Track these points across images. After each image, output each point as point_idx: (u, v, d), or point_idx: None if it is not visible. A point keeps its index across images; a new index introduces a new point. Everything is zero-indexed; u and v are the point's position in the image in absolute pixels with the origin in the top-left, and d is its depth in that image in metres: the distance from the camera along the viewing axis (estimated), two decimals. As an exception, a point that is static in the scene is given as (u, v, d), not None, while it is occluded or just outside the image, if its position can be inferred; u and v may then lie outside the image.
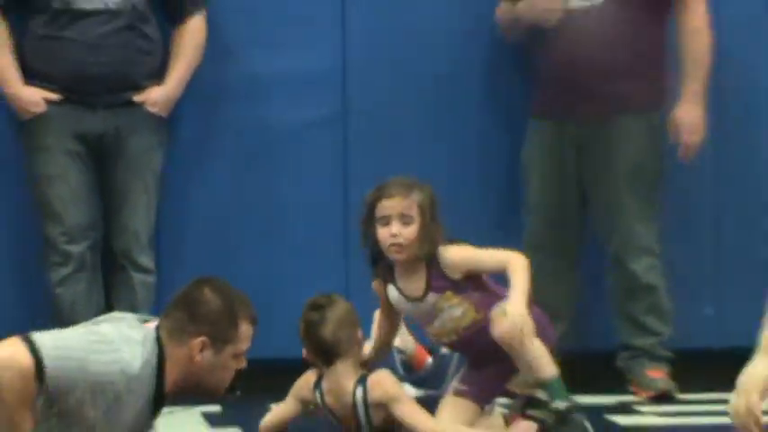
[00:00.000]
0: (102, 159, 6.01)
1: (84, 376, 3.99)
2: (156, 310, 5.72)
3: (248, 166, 6.52)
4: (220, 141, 6.61)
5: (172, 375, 4.33)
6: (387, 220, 4.76)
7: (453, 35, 6.38)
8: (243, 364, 4.50)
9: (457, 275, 4.83)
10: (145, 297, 6.19)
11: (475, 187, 6.11)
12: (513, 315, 4.49)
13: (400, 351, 5.35)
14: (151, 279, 6.19)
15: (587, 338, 5.93)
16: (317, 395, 5.09)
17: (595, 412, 5.09)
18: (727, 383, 3.75)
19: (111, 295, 6.18)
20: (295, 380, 5.28)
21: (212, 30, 6.25)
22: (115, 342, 4.19)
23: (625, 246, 5.68)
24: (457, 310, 4.80)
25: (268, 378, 5.68)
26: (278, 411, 5.31)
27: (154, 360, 4.22)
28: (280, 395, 5.51)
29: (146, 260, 6.18)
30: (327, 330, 4.94)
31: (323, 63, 6.50)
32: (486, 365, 4.83)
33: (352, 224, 5.69)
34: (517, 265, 4.71)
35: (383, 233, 4.76)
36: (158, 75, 6.03)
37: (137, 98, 5.94)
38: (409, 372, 5.26)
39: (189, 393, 4.48)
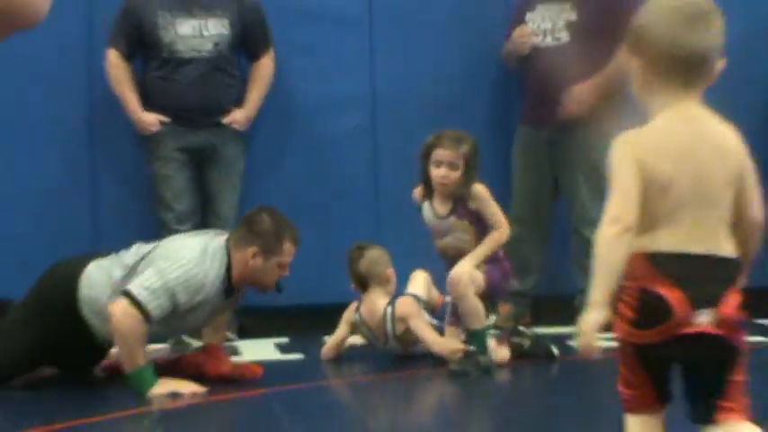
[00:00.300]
0: (200, 165, 7.20)
1: (177, 301, 5.41)
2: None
3: (303, 164, 7.60)
4: (284, 148, 7.69)
5: (235, 273, 5.72)
6: (439, 164, 5.88)
7: (466, 63, 7.49)
8: (285, 272, 5.82)
9: (473, 207, 5.95)
10: None
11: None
12: (456, 271, 5.74)
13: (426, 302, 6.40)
14: None
15: (556, 286, 7.08)
16: (357, 316, 6.32)
17: (558, 339, 6.20)
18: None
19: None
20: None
21: (278, 65, 7.32)
22: (195, 258, 5.54)
23: (581, 219, 6.65)
24: (465, 235, 5.97)
25: (324, 319, 7.05)
26: (333, 337, 6.53)
27: (225, 263, 5.63)
28: (332, 331, 6.74)
29: None
30: (363, 264, 6.23)
31: (355, 89, 7.68)
32: None
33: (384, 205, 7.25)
34: (495, 235, 5.95)
35: (436, 172, 5.90)
36: (239, 101, 7.18)
37: (225, 120, 7.12)
38: (431, 314, 6.31)
39: (248, 286, 5.91)
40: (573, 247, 6.74)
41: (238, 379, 5.94)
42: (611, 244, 2.99)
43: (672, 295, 2.94)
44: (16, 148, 7.34)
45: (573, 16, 6.83)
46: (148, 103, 7.13)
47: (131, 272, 5.71)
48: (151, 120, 7.05)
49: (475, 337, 5.93)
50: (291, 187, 7.58)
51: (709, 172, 3.04)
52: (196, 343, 6.67)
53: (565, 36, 6.83)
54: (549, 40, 6.90)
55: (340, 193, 7.74)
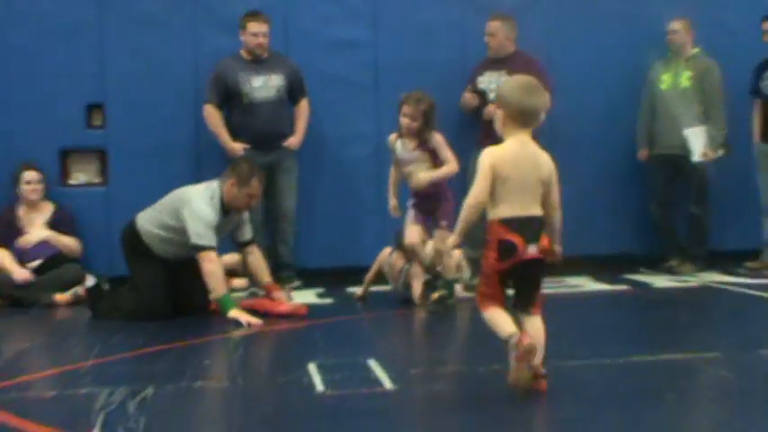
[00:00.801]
0: (270, 175, 8.38)
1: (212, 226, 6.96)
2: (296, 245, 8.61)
3: (328, 174, 9.12)
4: (321, 163, 9.20)
5: (226, 199, 7.00)
6: (404, 116, 7.15)
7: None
8: (254, 201, 7.15)
9: (432, 146, 7.12)
10: (287, 240, 9.03)
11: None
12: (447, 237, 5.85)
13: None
14: (291, 230, 9.04)
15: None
16: (386, 266, 7.69)
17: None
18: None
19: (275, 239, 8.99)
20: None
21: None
22: (206, 200, 6.96)
23: None
24: (424, 164, 7.23)
25: (346, 275, 8.63)
26: (366, 280, 7.80)
27: (218, 194, 7.04)
28: (351, 284, 8.16)
29: (291, 225, 9.02)
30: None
31: (363, 124, 9.18)
32: (429, 198, 7.18)
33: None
34: (446, 167, 7.15)
35: (402, 121, 7.19)
36: (291, 130, 8.77)
37: (285, 144, 8.73)
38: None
39: (233, 208, 7.11)
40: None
41: (291, 315, 7.16)
42: (471, 209, 4.54)
43: (516, 240, 4.45)
44: (148, 167, 8.63)
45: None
46: (234, 135, 8.69)
47: (156, 206, 7.30)
48: (237, 147, 8.63)
49: (447, 285, 7.19)
50: (320, 185, 9.07)
51: (529, 174, 4.55)
52: (261, 292, 7.80)
53: None
54: (492, 96, 8.29)
55: (350, 196, 9.25)
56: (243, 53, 8.80)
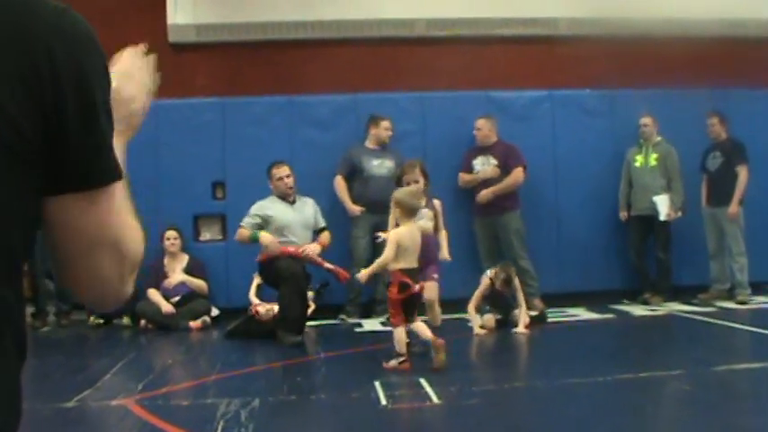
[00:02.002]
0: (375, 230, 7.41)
1: (259, 215, 7.24)
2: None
3: None
4: None
5: (276, 192, 7.42)
6: (408, 182, 6.43)
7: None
8: (283, 182, 7.34)
9: (435, 210, 6.49)
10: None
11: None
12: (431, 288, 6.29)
13: None
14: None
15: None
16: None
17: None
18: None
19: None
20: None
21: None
22: (257, 202, 7.33)
23: (514, 258, 8.28)
24: (429, 222, 6.52)
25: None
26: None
27: (271, 193, 7.46)
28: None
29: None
30: None
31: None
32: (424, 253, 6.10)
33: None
34: (443, 235, 6.57)
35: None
36: None
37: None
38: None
39: (285, 194, 7.43)
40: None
41: (333, 272, 7.24)
42: (383, 262, 5.76)
43: (408, 281, 5.62)
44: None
45: (494, 161, 8.74)
46: (355, 199, 8.57)
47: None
48: (356, 209, 8.53)
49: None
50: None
51: (415, 243, 5.75)
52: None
53: (492, 172, 8.67)
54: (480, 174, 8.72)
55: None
56: (368, 143, 8.80)
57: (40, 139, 1.09)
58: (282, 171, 7.48)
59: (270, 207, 7.40)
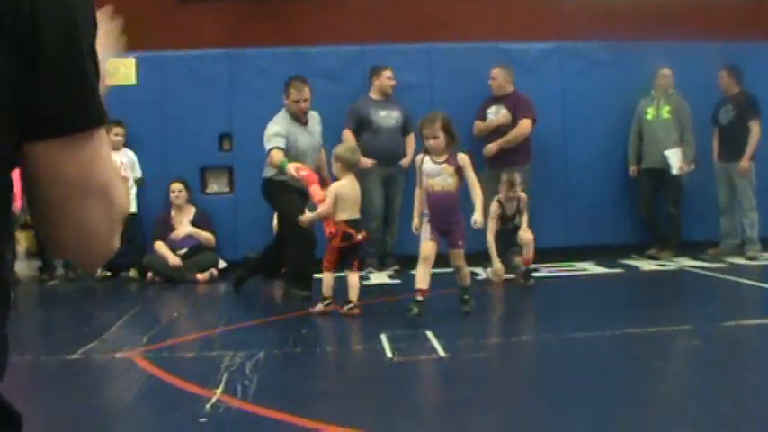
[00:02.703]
0: (386, 184, 8.43)
1: (278, 134, 6.78)
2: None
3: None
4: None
5: (291, 111, 7.03)
6: (426, 138, 5.93)
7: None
8: (300, 105, 6.93)
9: (459, 164, 5.88)
10: (394, 233, 8.71)
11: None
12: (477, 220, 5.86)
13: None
14: (396, 227, 8.60)
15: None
16: None
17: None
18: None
19: (385, 232, 8.71)
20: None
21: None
22: (273, 121, 6.90)
23: None
24: (450, 178, 5.93)
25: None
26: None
27: (284, 111, 7.02)
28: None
29: (396, 223, 8.57)
30: None
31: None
32: (445, 215, 5.89)
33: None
34: (478, 191, 5.92)
35: (428, 144, 5.94)
36: (404, 152, 8.48)
37: (400, 162, 8.49)
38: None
39: (298, 114, 6.98)
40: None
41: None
42: (322, 212, 6.06)
43: (350, 231, 5.90)
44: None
45: (504, 111, 8.60)
46: (365, 152, 7.95)
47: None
48: (367, 162, 8.05)
49: (465, 291, 6.05)
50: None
51: (355, 195, 6.02)
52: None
53: (503, 118, 8.55)
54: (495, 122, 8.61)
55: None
56: (372, 94, 8.71)
57: (18, 79, 1.02)
58: (303, 95, 7.08)
59: (290, 130, 7.02)
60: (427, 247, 5.85)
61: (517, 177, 7.46)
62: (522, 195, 7.44)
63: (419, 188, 6.07)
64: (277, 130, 6.91)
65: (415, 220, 6.07)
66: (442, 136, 5.84)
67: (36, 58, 1.03)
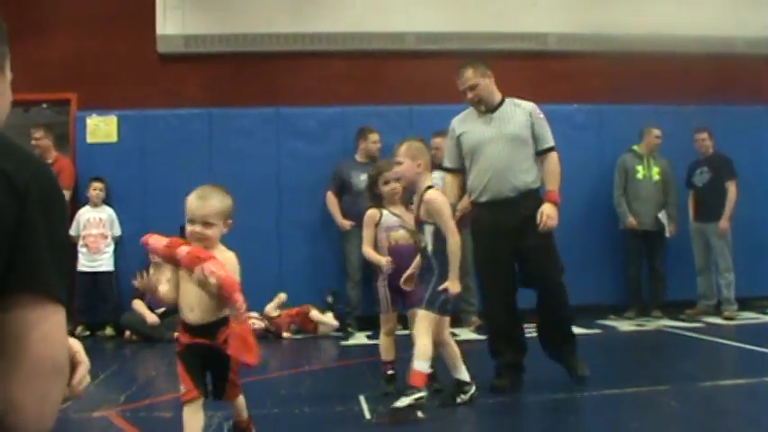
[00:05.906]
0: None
1: None
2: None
3: None
4: None
5: None
6: (386, 182, 5.32)
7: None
8: None
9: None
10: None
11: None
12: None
13: None
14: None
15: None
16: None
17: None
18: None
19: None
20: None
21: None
22: None
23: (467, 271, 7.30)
24: (411, 227, 5.16)
25: None
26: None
27: None
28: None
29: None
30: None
31: None
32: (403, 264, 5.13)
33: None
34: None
35: (386, 188, 5.35)
36: None
37: None
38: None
39: None
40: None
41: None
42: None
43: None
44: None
45: None
46: (345, 214, 8.53)
47: None
48: (346, 223, 8.47)
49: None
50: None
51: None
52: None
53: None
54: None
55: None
56: (357, 157, 8.76)
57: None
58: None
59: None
60: (388, 322, 5.40)
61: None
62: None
63: (368, 246, 5.39)
64: None
65: (383, 260, 5.27)
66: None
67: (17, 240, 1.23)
